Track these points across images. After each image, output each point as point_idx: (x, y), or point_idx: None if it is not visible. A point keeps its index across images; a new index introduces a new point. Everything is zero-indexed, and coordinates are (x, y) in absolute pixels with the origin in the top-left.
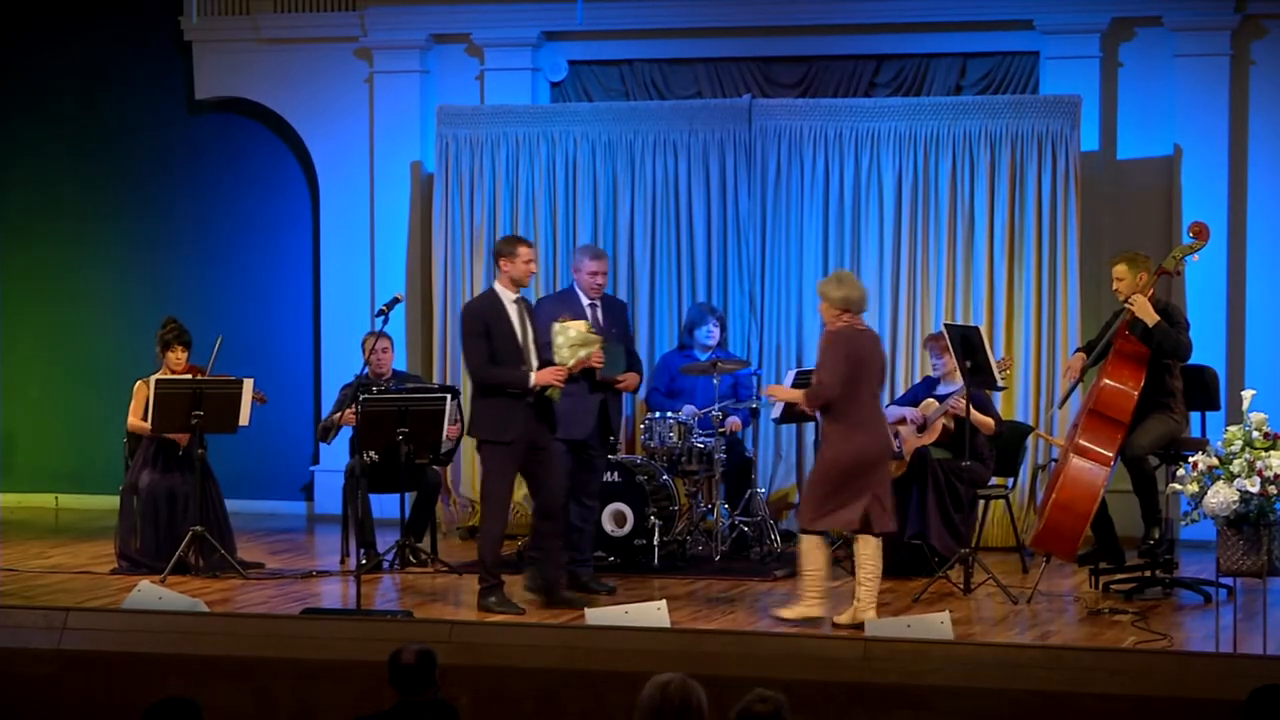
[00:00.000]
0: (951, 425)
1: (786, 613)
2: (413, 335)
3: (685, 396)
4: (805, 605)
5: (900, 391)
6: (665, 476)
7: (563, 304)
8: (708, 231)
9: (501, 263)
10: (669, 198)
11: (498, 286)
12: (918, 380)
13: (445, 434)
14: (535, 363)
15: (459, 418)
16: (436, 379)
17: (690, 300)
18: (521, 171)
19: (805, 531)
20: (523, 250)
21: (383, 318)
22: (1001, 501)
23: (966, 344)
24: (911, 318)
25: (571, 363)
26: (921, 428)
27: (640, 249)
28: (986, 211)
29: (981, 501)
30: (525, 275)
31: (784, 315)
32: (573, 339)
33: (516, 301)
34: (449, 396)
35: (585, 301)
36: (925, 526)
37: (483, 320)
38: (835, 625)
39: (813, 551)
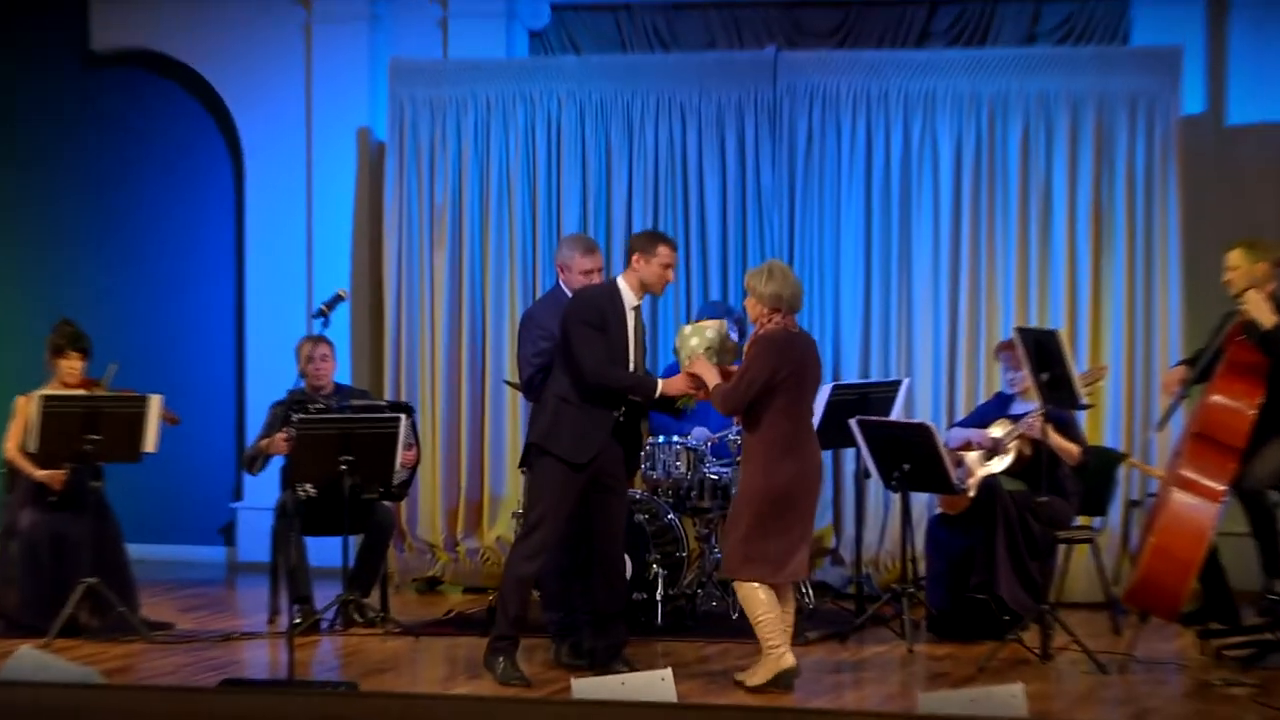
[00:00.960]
0: (1027, 451)
1: (753, 679)
2: (359, 341)
3: (695, 418)
4: (772, 661)
5: (961, 411)
6: (671, 515)
7: (559, 312)
8: (723, 214)
9: (635, 260)
10: (675, 172)
11: (622, 283)
12: (984, 399)
13: (399, 462)
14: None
15: (414, 441)
16: (388, 394)
17: (701, 298)
18: (493, 140)
19: (734, 579)
20: (663, 251)
21: (322, 319)
22: (1087, 546)
23: (1043, 352)
24: (975, 321)
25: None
26: (990, 454)
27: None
28: (1066, 188)
29: (1062, 546)
30: (659, 282)
31: (818, 316)
32: (710, 340)
33: (636, 309)
34: (403, 416)
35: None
36: (993, 576)
37: (600, 312)
38: (744, 687)
39: (753, 596)
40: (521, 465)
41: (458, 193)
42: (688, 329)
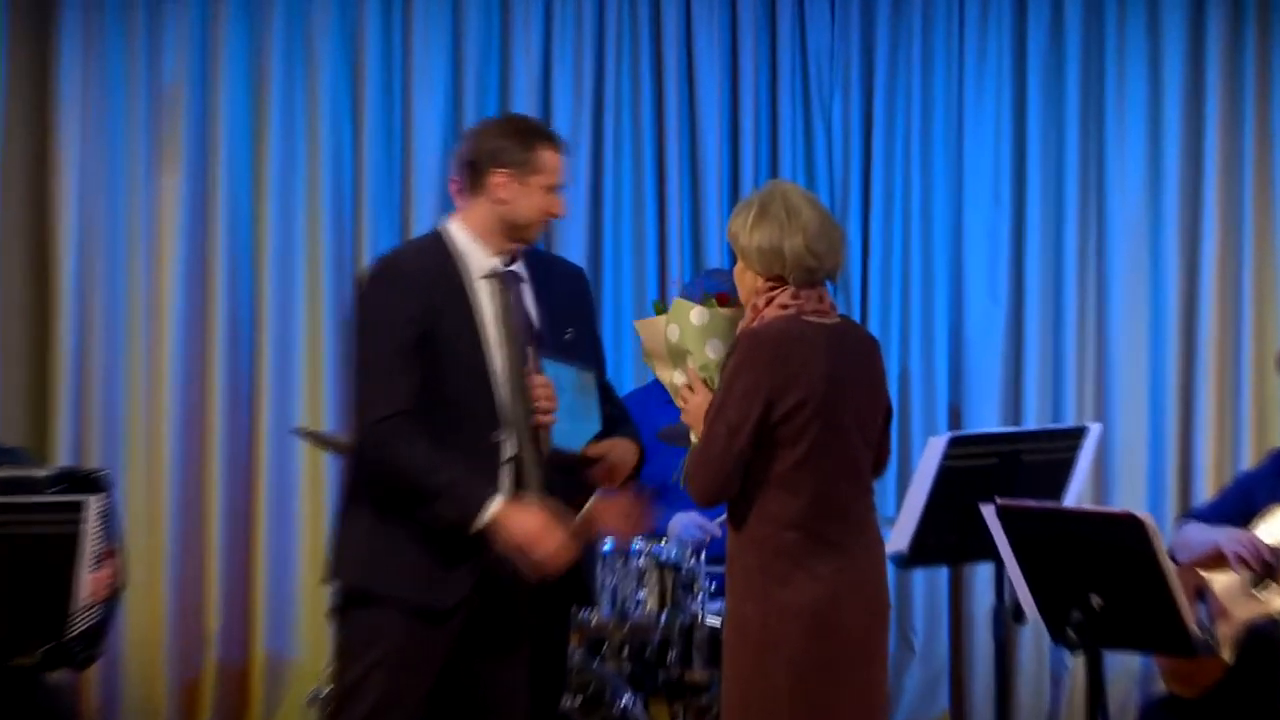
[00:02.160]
0: None
1: None
2: (8, 344)
3: (675, 493)
4: None
5: (1203, 489)
6: (627, 699)
7: (435, 272)
8: (732, 122)
9: (491, 179)
10: (634, 44)
11: (457, 231)
12: (1247, 463)
13: (83, 592)
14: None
15: (113, 547)
16: (60, 457)
17: (690, 266)
18: None
19: None
20: (547, 158)
21: None
22: None
23: None
24: (1229, 319)
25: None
26: (1261, 577)
27: (579, 160)
28: None
29: None
30: (540, 218)
31: (916, 307)
32: (703, 331)
33: (501, 279)
34: (89, 499)
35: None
36: None
37: (405, 310)
38: None
39: None
40: (330, 612)
41: (202, 68)
42: (667, 315)
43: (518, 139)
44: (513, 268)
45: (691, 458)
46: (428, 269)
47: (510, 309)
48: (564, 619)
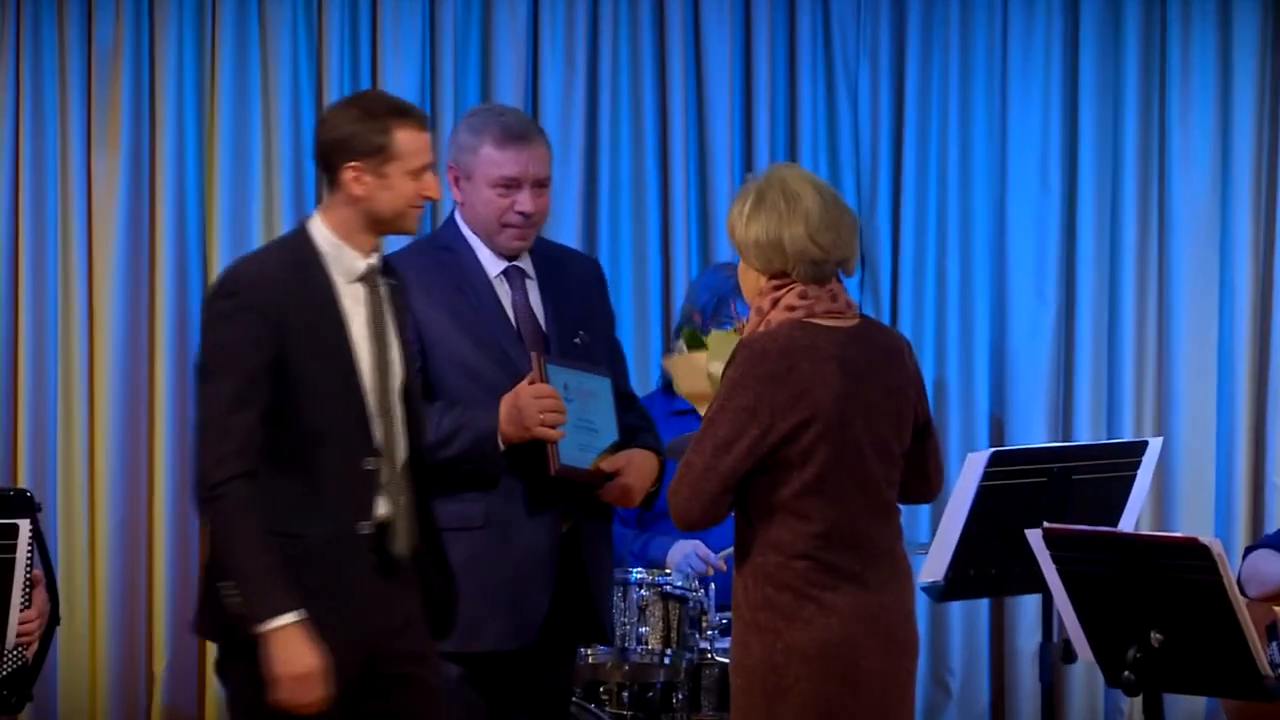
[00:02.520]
0: None
1: None
2: None
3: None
4: None
5: (1276, 513)
6: None
7: (441, 271)
8: (745, 98)
9: (345, 175)
10: (640, 19)
11: (317, 230)
12: None
13: (10, 632)
14: (399, 439)
15: (42, 576)
16: None
17: (697, 264)
18: None
19: None
20: (403, 139)
21: None
22: None
23: None
24: None
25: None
26: None
27: (572, 143)
28: None
29: None
30: (409, 207)
31: (954, 307)
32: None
33: (370, 276)
34: (23, 524)
35: (492, 266)
36: None
37: (248, 337)
38: None
39: None
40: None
41: (140, 28)
42: (707, 352)
43: (366, 123)
44: (517, 263)
45: (676, 475)
46: (280, 280)
47: (380, 315)
48: (569, 659)
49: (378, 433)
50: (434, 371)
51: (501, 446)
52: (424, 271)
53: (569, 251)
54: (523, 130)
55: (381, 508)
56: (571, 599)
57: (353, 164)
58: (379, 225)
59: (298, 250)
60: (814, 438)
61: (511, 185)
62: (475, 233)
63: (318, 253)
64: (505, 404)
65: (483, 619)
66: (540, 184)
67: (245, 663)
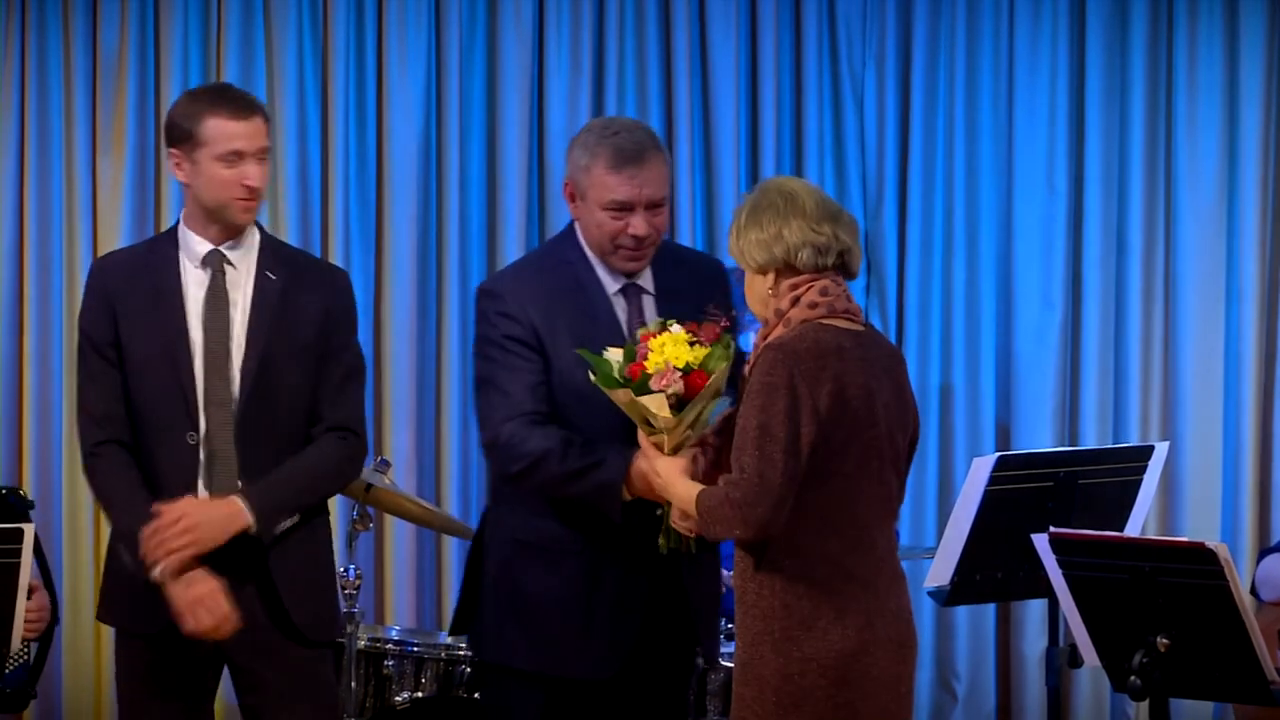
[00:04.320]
0: None
1: None
2: None
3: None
4: None
5: None
6: None
7: (563, 292)
8: (751, 102)
9: (171, 161)
10: (646, 21)
11: (181, 225)
12: None
13: (17, 633)
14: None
15: (38, 579)
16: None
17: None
18: None
19: None
20: (211, 125)
21: None
22: None
23: None
24: None
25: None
26: None
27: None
28: None
29: None
30: (223, 191)
31: (959, 312)
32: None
33: (214, 260)
34: (26, 528)
35: (610, 283)
36: None
37: (94, 316)
38: None
39: None
40: None
41: (144, 32)
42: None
43: (185, 109)
44: (635, 280)
45: (744, 490)
46: (129, 267)
47: (220, 299)
48: (668, 691)
49: (202, 411)
50: (554, 392)
51: (626, 497)
52: (548, 292)
53: (692, 257)
54: (636, 152)
55: (207, 488)
56: (669, 627)
57: (172, 150)
58: (209, 213)
59: (162, 237)
60: (845, 439)
61: (624, 208)
62: (591, 250)
63: (174, 239)
64: (640, 468)
65: (567, 644)
66: (655, 205)
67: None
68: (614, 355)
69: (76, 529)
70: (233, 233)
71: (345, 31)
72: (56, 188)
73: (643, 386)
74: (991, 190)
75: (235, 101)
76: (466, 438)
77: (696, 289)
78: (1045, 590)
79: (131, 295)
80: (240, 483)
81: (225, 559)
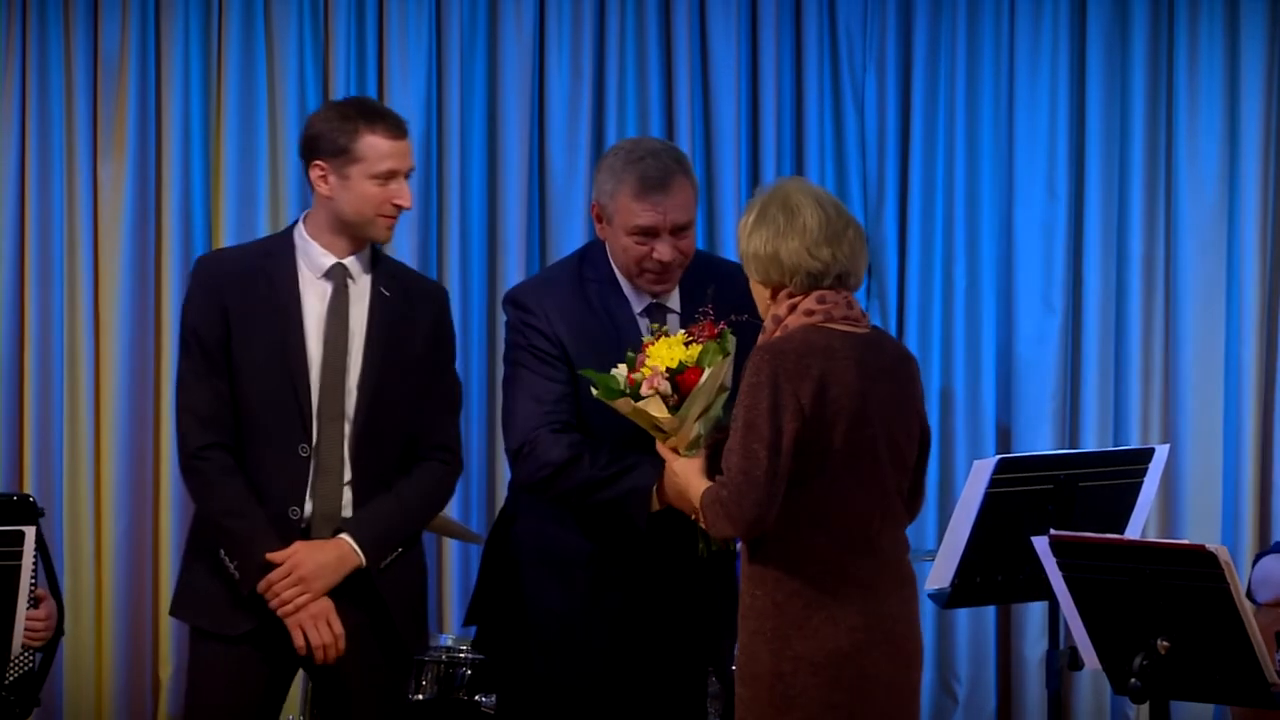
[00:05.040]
0: None
1: None
2: None
3: None
4: None
5: None
6: None
7: (590, 311)
8: (752, 105)
9: (313, 173)
10: (647, 25)
11: (301, 226)
12: None
13: (17, 640)
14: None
15: (45, 594)
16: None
17: None
18: None
19: None
20: (369, 142)
21: None
22: None
23: None
24: None
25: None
26: None
27: (577, 151)
28: None
29: None
30: (371, 209)
31: (959, 313)
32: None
33: (337, 274)
34: (28, 531)
35: (636, 302)
36: None
37: (203, 315)
38: None
39: None
40: None
41: (145, 36)
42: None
43: (337, 123)
44: (661, 301)
45: (731, 489)
46: (243, 269)
47: (341, 313)
48: (689, 694)
49: (315, 423)
50: (582, 407)
51: (656, 506)
52: (574, 309)
53: (724, 269)
54: (662, 178)
55: (313, 500)
56: (692, 629)
57: (319, 162)
58: (346, 228)
59: (278, 243)
60: (833, 438)
61: (649, 234)
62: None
63: (295, 248)
64: (672, 477)
65: (570, 654)
66: (680, 229)
67: (194, 643)
68: (619, 370)
69: (77, 532)
70: (359, 246)
71: (346, 35)
72: (57, 191)
73: (638, 393)
74: (992, 193)
75: (391, 121)
76: (468, 441)
77: (727, 303)
78: (1046, 593)
79: (246, 299)
80: (346, 515)
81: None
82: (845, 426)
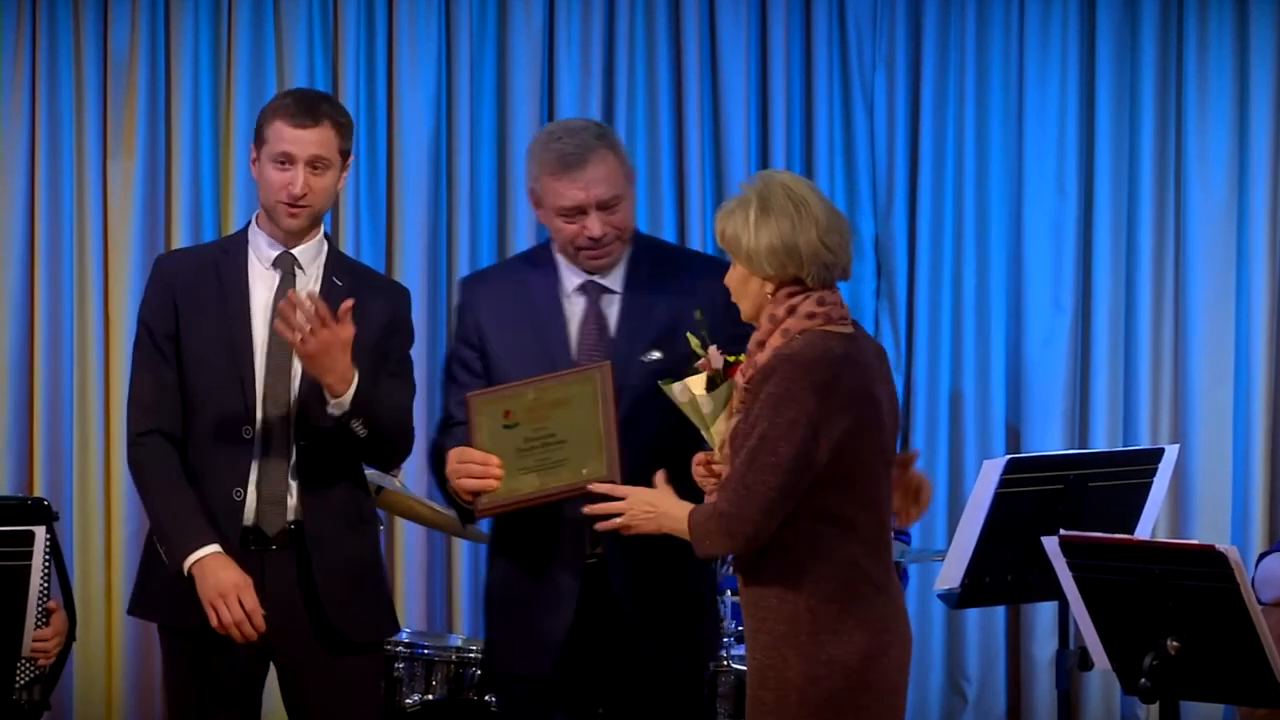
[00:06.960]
0: None
1: None
2: None
3: None
4: None
5: None
6: None
7: (512, 291)
8: (761, 104)
9: (252, 155)
10: (656, 23)
11: (254, 227)
12: None
13: (26, 647)
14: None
15: (56, 606)
16: (7, 482)
17: None
18: None
19: None
20: (274, 128)
21: None
22: None
23: None
24: None
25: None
26: None
27: None
28: None
29: None
30: (273, 192)
31: (968, 312)
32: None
33: (284, 263)
34: (39, 531)
35: (570, 282)
36: None
37: (155, 308)
38: None
39: None
40: None
41: (155, 35)
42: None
43: (263, 109)
44: (597, 279)
45: (733, 500)
46: (197, 264)
47: (282, 298)
48: (612, 692)
49: (260, 407)
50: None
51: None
52: (497, 293)
53: (685, 259)
54: (579, 155)
55: (256, 482)
56: (603, 630)
57: (252, 148)
58: (269, 214)
59: (229, 239)
60: (860, 445)
61: (576, 212)
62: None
63: (245, 240)
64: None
65: (502, 642)
66: (606, 205)
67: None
68: (695, 383)
69: (88, 534)
70: (300, 238)
71: (355, 35)
72: (67, 190)
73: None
74: (1002, 193)
75: (302, 107)
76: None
77: (683, 293)
78: (1056, 593)
79: (196, 290)
80: (291, 500)
81: (269, 558)
82: (870, 432)
